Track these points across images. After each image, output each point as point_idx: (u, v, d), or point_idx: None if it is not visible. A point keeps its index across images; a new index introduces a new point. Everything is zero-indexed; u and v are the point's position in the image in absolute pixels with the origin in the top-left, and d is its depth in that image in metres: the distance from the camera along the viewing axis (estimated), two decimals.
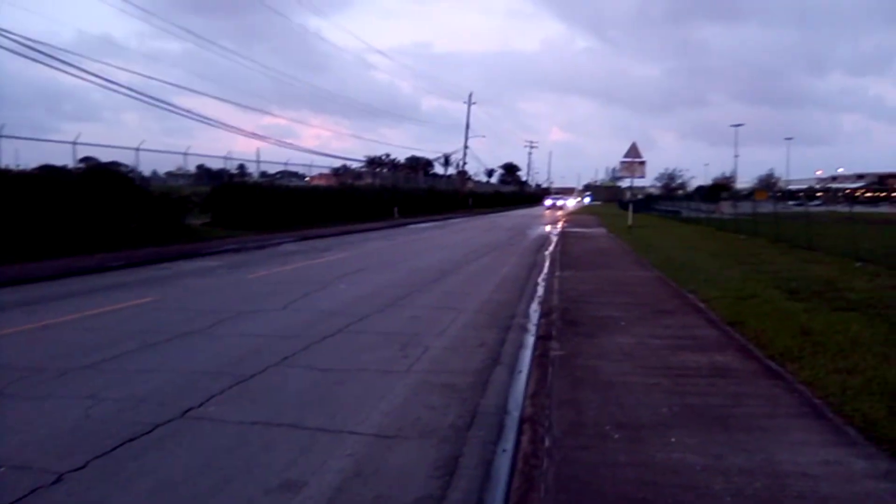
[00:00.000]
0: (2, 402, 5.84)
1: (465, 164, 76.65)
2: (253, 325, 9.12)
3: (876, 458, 4.22)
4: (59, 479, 4.22)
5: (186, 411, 5.51)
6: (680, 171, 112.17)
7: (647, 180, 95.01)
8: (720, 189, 76.20)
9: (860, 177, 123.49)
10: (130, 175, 23.93)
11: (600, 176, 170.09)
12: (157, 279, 14.04)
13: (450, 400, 5.89)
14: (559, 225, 36.84)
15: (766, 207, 30.19)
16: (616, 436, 4.66)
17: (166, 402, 5.72)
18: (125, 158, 25.34)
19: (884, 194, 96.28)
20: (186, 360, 7.24)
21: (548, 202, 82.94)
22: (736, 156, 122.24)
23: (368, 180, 56.71)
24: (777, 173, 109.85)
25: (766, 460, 4.21)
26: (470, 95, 71.05)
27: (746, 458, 4.24)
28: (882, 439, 4.46)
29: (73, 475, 4.30)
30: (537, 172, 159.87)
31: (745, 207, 32.17)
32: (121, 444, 4.80)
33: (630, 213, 32.91)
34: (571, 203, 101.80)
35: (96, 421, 5.32)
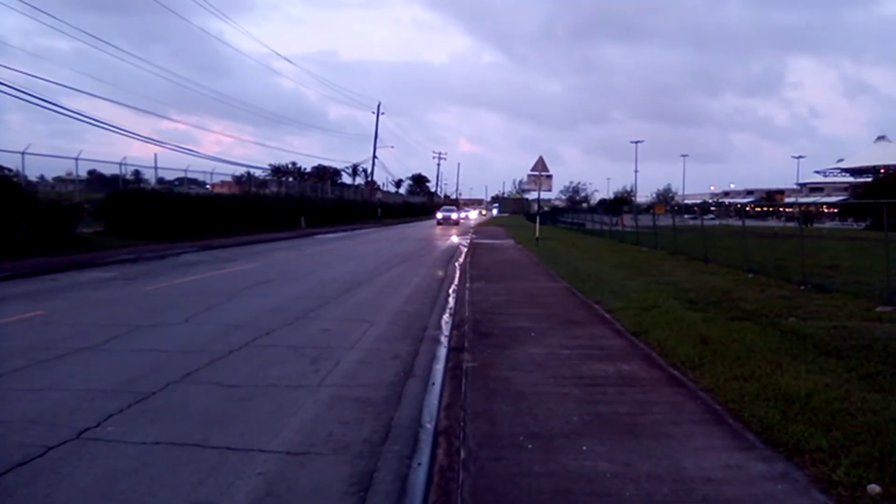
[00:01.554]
0: None
1: (373, 174, 76.32)
2: (152, 339, 8.68)
3: (773, 460, 4.45)
4: None
5: (82, 432, 5.17)
6: (584, 184, 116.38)
7: (553, 193, 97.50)
8: (622, 203, 79.27)
9: (750, 192, 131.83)
10: (15, 180, 22.41)
11: (508, 188, 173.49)
12: (47, 291, 13.17)
13: (363, 414, 5.80)
14: (468, 236, 37.22)
15: (665, 221, 31.59)
16: (530, 446, 4.71)
17: (59, 423, 5.35)
18: (9, 162, 23.76)
19: (771, 209, 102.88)
20: (80, 377, 6.80)
21: (439, 215, 63.00)
22: (636, 171, 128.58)
23: (274, 189, 55.47)
24: (674, 188, 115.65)
25: (673, 466, 4.36)
26: (378, 105, 70.94)
27: (654, 465, 4.38)
28: (778, 442, 4.71)
29: None
30: (446, 184, 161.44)
31: (646, 220, 33.57)
32: (9, 470, 4.45)
33: (537, 226, 33.66)
34: (474, 216, 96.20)
35: None
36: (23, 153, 23.45)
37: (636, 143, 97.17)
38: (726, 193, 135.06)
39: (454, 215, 63.21)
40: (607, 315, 10.26)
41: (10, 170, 23.63)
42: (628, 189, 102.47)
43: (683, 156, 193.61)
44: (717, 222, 41.63)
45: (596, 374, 6.73)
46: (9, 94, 21.01)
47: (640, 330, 8.89)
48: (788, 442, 4.68)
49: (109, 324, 9.55)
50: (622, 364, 7.15)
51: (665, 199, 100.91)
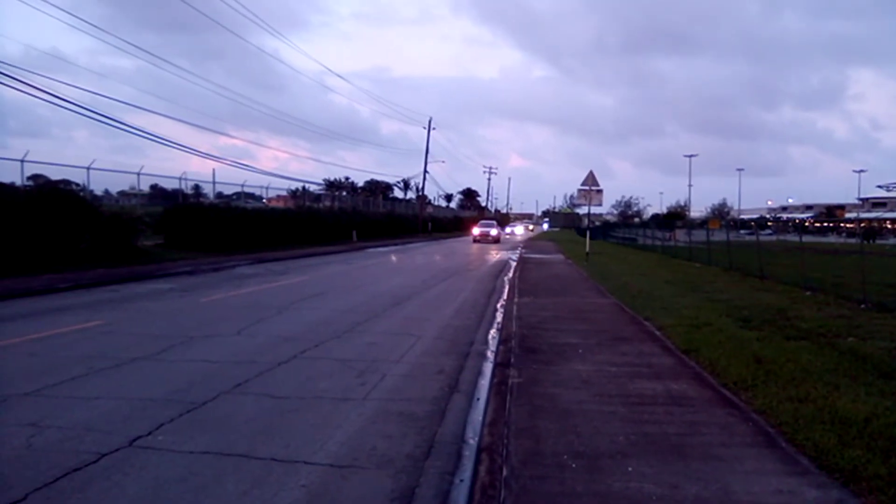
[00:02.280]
0: None
1: (424, 188, 76.85)
2: (205, 350, 8.89)
3: (828, 487, 4.28)
4: None
5: (134, 440, 5.31)
6: (636, 199, 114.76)
7: (604, 208, 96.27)
8: (675, 217, 77.78)
9: (809, 207, 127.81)
10: (81, 194, 23.35)
11: (559, 202, 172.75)
12: (107, 302, 13.63)
13: (407, 429, 5.81)
14: (517, 251, 37.07)
15: (720, 236, 30.90)
16: (574, 465, 4.64)
17: (113, 431, 5.51)
18: (76, 177, 24.79)
19: (831, 225, 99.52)
20: (135, 386, 7.00)
21: (476, 231, 53.41)
22: (690, 185, 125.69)
23: (327, 203, 56.35)
24: (729, 203, 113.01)
25: (722, 490, 4.23)
26: (430, 121, 71.46)
27: (702, 488, 4.26)
28: (833, 468, 4.53)
29: None
30: (497, 198, 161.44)
31: (699, 236, 32.88)
32: (64, 475, 4.59)
33: (587, 241, 33.32)
34: (521, 231, 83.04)
35: (38, 451, 5.09)
36: (88, 168, 24.45)
37: (690, 156, 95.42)
38: (784, 208, 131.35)
39: (493, 231, 52.41)
40: (657, 332, 10.06)
41: (77, 184, 24.63)
42: (682, 203, 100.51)
43: (739, 170, 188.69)
44: (773, 238, 40.51)
45: (644, 393, 6.60)
46: (75, 112, 21.98)
47: (690, 348, 8.69)
48: (845, 468, 4.50)
49: (164, 334, 9.82)
50: (671, 383, 7.00)
51: (720, 214, 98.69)
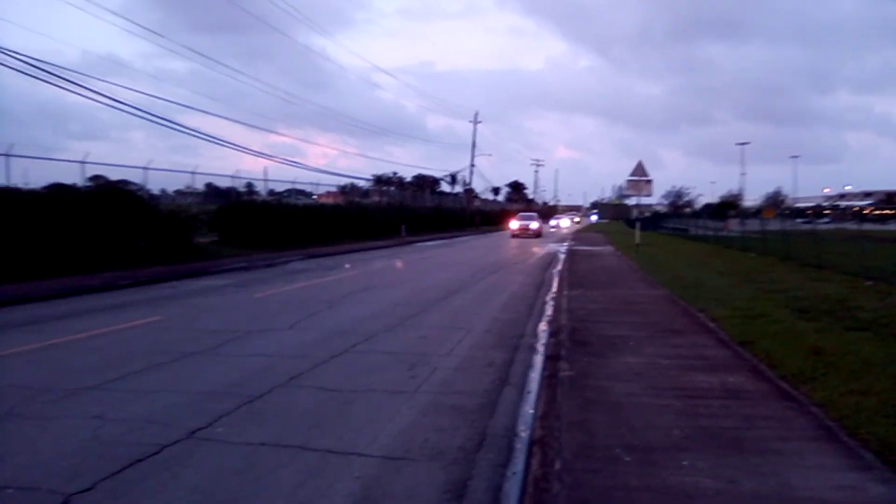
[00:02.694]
0: (9, 423, 5.82)
1: (471, 182, 76.81)
2: (260, 344, 9.10)
3: (893, 482, 4.14)
4: (65, 502, 4.18)
5: (194, 432, 5.47)
6: (687, 188, 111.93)
7: (654, 198, 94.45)
8: (727, 207, 75.79)
9: (868, 194, 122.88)
10: (139, 193, 24.08)
11: (607, 194, 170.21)
12: (165, 298, 14.05)
13: (458, 421, 5.84)
14: (566, 244, 36.78)
15: (775, 225, 30.04)
16: (627, 459, 4.60)
17: (173, 423, 5.69)
18: (134, 177, 25.55)
19: (892, 212, 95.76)
20: (193, 380, 7.22)
21: (514, 225, 47.83)
22: (742, 174, 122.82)
23: (376, 198, 56.92)
24: (784, 191, 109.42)
25: (781, 485, 4.14)
26: (476, 114, 71.49)
27: (760, 483, 4.17)
28: None
29: (81, 496, 4.26)
30: (544, 190, 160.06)
31: (753, 225, 32.04)
32: (128, 466, 4.76)
33: (637, 232, 32.83)
34: (566, 224, 79.77)
35: (103, 442, 5.29)
36: (145, 168, 25.16)
37: (742, 144, 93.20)
38: (842, 196, 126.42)
39: (534, 224, 46.55)
40: (711, 324, 9.87)
41: (135, 184, 25.40)
42: (735, 193, 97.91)
43: (794, 157, 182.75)
44: (831, 226, 39.20)
45: (698, 386, 6.48)
46: (133, 114, 22.67)
47: (746, 340, 8.49)
48: None
49: (221, 329, 10.08)
50: (727, 375, 6.86)
51: (775, 203, 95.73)
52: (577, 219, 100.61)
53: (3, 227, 16.31)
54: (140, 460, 4.87)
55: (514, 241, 40.80)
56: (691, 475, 4.30)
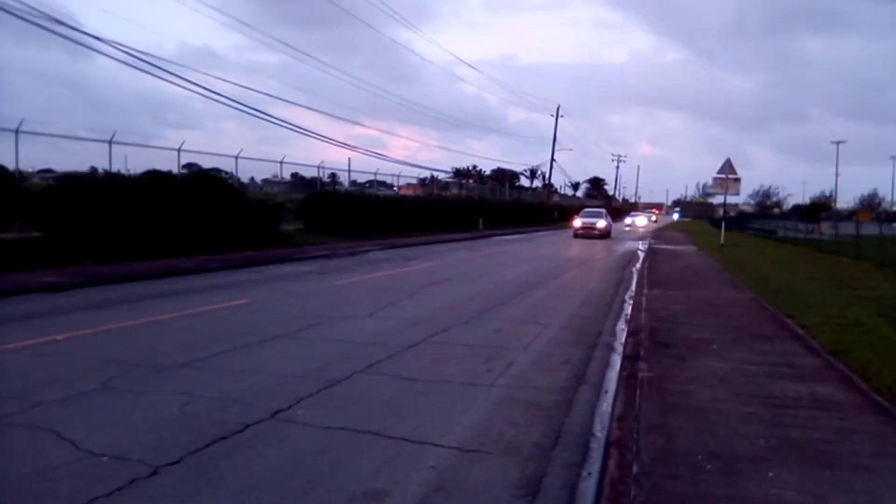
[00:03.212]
0: (104, 395, 6.17)
1: (551, 176, 75.99)
2: (340, 330, 9.31)
3: None
4: (154, 472, 4.40)
5: (276, 413, 5.66)
6: (776, 188, 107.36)
7: (741, 197, 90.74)
8: (819, 208, 72.24)
9: None
10: (230, 181, 25.00)
11: (690, 192, 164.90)
12: (252, 282, 14.56)
13: (534, 417, 5.81)
14: (646, 242, 35.92)
15: (870, 229, 28.44)
16: (709, 466, 4.46)
17: (256, 403, 5.90)
18: (225, 165, 26.56)
19: None
20: (276, 362, 7.46)
21: (577, 222, 40.07)
22: (837, 174, 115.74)
23: (455, 191, 57.11)
24: (881, 193, 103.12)
25: (873, 503, 3.93)
26: (557, 108, 70.51)
27: (852, 500, 3.96)
28: None
29: (168, 469, 4.47)
30: (624, 187, 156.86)
31: (847, 228, 30.42)
32: (213, 442, 4.97)
33: (722, 231, 31.72)
34: (643, 222, 72.41)
35: (191, 417, 5.54)
36: (236, 157, 26.12)
37: (837, 143, 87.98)
38: None
39: (600, 223, 39.10)
40: (800, 331, 9.44)
41: (226, 172, 26.40)
42: (827, 194, 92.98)
43: (893, 157, 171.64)
44: None
45: (786, 395, 6.22)
46: (226, 105, 23.53)
47: (839, 349, 8.08)
48: None
49: (303, 314, 10.37)
50: (817, 385, 6.55)
51: (870, 206, 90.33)
52: (654, 217, 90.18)
53: (104, 211, 17.27)
54: (224, 437, 5.07)
55: (588, 240, 37.82)
56: (777, 488, 4.13)
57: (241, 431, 5.21)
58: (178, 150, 23.17)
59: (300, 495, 4.17)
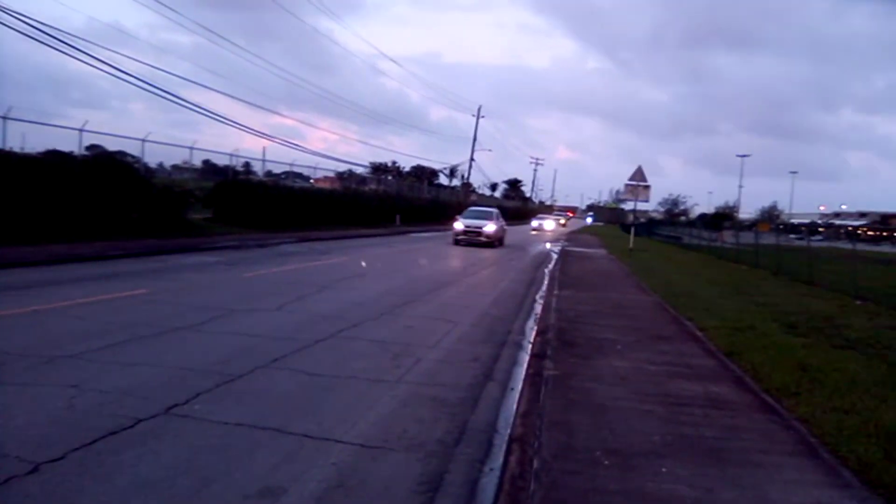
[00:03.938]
0: None
1: (469, 176, 76.59)
2: (245, 324, 9.02)
3: (870, 501, 4.12)
4: (35, 470, 4.11)
5: (171, 408, 5.40)
6: (683, 197, 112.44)
7: (651, 204, 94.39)
8: (723, 218, 76.06)
9: (863, 215, 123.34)
10: (136, 166, 23.88)
11: (604, 197, 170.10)
12: (154, 271, 13.94)
13: (439, 414, 5.79)
14: (559, 244, 36.73)
15: (769, 239, 30.13)
16: (606, 462, 4.56)
17: (151, 397, 5.62)
18: (132, 148, 25.32)
19: (886, 234, 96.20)
20: (175, 355, 7.13)
21: (458, 226, 30.46)
22: (740, 186, 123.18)
23: (373, 186, 56.64)
24: (780, 206, 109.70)
25: (759, 498, 4.10)
26: (479, 109, 71.10)
27: (738, 494, 4.14)
28: (877, 483, 4.36)
29: (51, 466, 4.19)
30: (541, 189, 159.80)
31: (747, 238, 32.10)
32: (101, 438, 4.69)
33: (632, 236, 32.85)
34: (551, 226, 64.60)
35: (78, 412, 5.22)
36: (143, 140, 24.92)
37: (742, 156, 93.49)
38: (837, 214, 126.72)
39: (488, 226, 29.70)
40: (699, 333, 9.85)
41: (132, 156, 25.17)
42: (731, 204, 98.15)
43: (793, 172, 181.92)
44: (825, 244, 39.26)
45: (682, 394, 6.45)
46: (134, 85, 22.46)
47: (733, 351, 8.47)
48: (890, 484, 4.32)
49: (207, 306, 9.99)
50: (711, 385, 6.83)
51: (770, 217, 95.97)
52: (563, 221, 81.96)
53: None
54: (114, 433, 4.80)
55: (509, 238, 36.07)
56: (669, 482, 4.26)
57: (132, 426, 4.95)
58: (81, 131, 21.97)
59: (192, 493, 3.99)
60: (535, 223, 63.51)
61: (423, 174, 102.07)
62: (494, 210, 33.57)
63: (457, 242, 29.20)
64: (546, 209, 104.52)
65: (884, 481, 4.38)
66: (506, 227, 35.17)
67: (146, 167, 25.78)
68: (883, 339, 9.76)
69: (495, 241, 29.82)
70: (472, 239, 28.89)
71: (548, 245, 35.50)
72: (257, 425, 5.14)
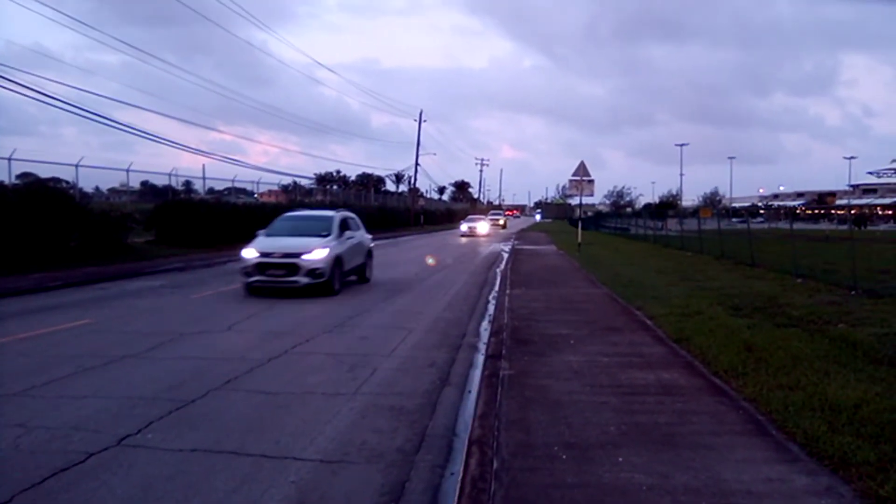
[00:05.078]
0: None
1: (416, 181, 76.62)
2: (195, 347, 8.84)
3: (818, 473, 4.28)
4: None
5: (122, 439, 5.27)
6: (628, 189, 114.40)
7: (597, 198, 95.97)
8: (667, 207, 77.68)
9: (800, 195, 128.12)
10: (71, 192, 23.14)
11: (551, 193, 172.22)
12: (96, 300, 13.54)
13: (398, 423, 5.79)
14: (510, 243, 37.05)
15: (711, 225, 30.97)
16: (564, 456, 4.63)
17: (101, 430, 5.47)
18: (65, 174, 24.53)
19: (822, 212, 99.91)
20: (124, 385, 6.95)
21: (249, 254, 14.48)
22: (681, 174, 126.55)
23: (319, 197, 56.14)
24: (721, 191, 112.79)
25: (712, 479, 4.23)
26: (420, 113, 71.10)
27: (692, 477, 4.25)
28: (823, 455, 4.53)
29: None
30: (489, 189, 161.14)
31: (691, 225, 32.93)
32: (51, 476, 4.55)
33: (579, 231, 33.34)
34: (484, 228, 49.71)
35: (25, 451, 5.04)
36: (76, 165, 24.17)
37: (681, 145, 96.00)
38: (775, 196, 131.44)
39: (310, 256, 13.85)
40: (648, 321, 10.07)
41: (66, 182, 24.38)
42: (674, 193, 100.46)
43: (731, 158, 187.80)
44: (765, 226, 40.56)
45: (635, 383, 6.59)
46: (63, 109, 21.78)
47: (681, 337, 8.69)
48: (834, 455, 4.50)
49: (154, 332, 9.76)
50: (663, 372, 7.00)
51: (712, 203, 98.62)
52: (501, 221, 70.88)
53: None
54: (65, 469, 4.66)
55: (458, 241, 37.89)
56: (626, 471, 4.35)
57: (83, 461, 4.81)
58: (9, 159, 21.17)
59: None
60: (464, 226, 49.09)
61: (370, 182, 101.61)
62: (349, 216, 17.22)
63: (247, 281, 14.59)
64: (495, 209, 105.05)
65: (829, 452, 4.55)
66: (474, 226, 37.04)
67: (82, 193, 25.02)
68: (824, 315, 10.15)
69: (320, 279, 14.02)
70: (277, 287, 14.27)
71: (498, 245, 35.70)
72: (213, 449, 5.06)
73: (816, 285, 14.18)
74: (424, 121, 71.62)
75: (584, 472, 4.36)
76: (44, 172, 24.00)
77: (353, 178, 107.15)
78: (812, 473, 4.29)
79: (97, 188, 32.05)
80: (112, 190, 34.09)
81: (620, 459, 4.56)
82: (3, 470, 4.69)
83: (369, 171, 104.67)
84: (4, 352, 8.54)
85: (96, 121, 23.70)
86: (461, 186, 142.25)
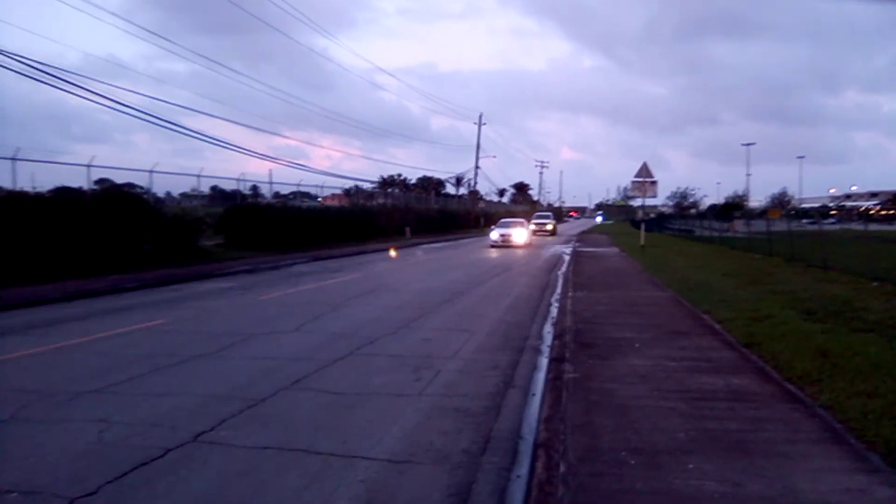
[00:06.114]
0: (13, 427, 5.83)
1: (476, 183, 76.67)
2: (265, 347, 9.10)
3: None
4: None
5: (198, 435, 5.47)
6: (692, 189, 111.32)
7: (659, 199, 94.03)
8: (733, 208, 75.46)
9: (874, 195, 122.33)
10: (145, 197, 24.11)
11: (612, 195, 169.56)
12: (170, 301, 14.07)
13: (463, 424, 5.82)
14: (571, 245, 36.67)
15: (780, 226, 29.99)
16: (632, 462, 4.57)
17: (177, 427, 5.69)
18: (139, 180, 25.56)
19: None
20: (197, 383, 7.22)
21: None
22: (748, 174, 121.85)
23: (380, 201, 56.81)
24: (790, 192, 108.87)
25: (787, 488, 4.11)
26: (480, 116, 71.08)
27: (766, 486, 4.14)
28: None
29: (85, 500, 4.26)
30: (549, 192, 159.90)
31: (759, 226, 31.95)
32: (132, 469, 4.76)
33: (642, 233, 32.75)
34: (522, 236, 36.16)
35: (108, 445, 5.30)
36: (150, 171, 25.16)
37: (748, 145, 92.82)
38: (848, 196, 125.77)
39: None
40: (717, 326, 9.83)
41: (140, 187, 25.41)
42: (740, 193, 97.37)
43: (800, 157, 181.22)
44: (837, 227, 39.01)
45: (704, 388, 6.45)
46: (136, 117, 22.69)
47: (752, 342, 8.45)
48: None
49: (225, 332, 10.08)
50: (733, 378, 6.83)
51: (780, 204, 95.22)
52: (549, 226, 56.21)
53: (10, 231, 16.37)
54: (144, 464, 4.86)
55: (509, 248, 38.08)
56: (696, 478, 4.27)
57: (161, 456, 5.01)
58: (88, 166, 22.19)
59: None
60: (495, 234, 36.73)
61: (430, 185, 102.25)
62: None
63: None
64: (556, 211, 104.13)
65: None
66: (510, 233, 33.89)
67: (155, 197, 26.03)
68: None
69: None
70: None
71: (559, 247, 35.38)
72: (284, 447, 5.20)
73: (893, 289, 13.55)
74: (484, 123, 71.60)
75: (653, 478, 4.30)
76: (119, 178, 25.11)
77: (413, 181, 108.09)
78: (895, 485, 4.12)
79: (169, 193, 33.19)
80: (183, 195, 35.29)
81: (691, 466, 4.48)
82: (89, 462, 4.93)
83: (429, 173, 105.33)
84: (84, 351, 8.97)
85: (167, 128, 24.69)
86: (521, 188, 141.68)
